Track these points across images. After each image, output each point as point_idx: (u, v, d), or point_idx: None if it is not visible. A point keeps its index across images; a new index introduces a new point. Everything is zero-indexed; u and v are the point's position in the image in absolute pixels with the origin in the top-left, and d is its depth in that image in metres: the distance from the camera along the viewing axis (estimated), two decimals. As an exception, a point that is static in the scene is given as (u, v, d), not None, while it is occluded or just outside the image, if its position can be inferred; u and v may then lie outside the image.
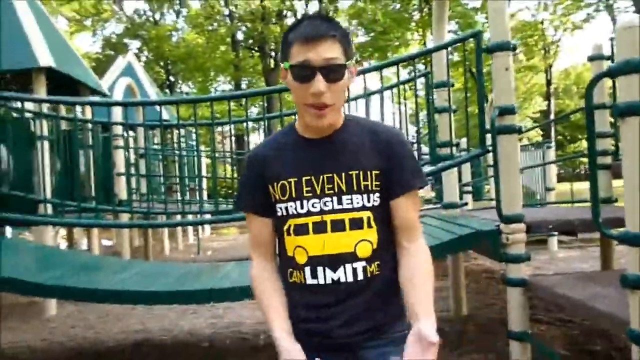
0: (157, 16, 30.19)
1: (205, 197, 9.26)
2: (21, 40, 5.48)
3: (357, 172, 1.33)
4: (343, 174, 1.33)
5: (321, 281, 1.33)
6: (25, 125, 4.99)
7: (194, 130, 8.47)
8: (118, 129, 6.22)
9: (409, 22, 24.94)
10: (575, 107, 30.23)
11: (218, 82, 31.60)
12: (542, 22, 29.56)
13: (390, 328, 1.38)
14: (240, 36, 27.14)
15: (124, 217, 6.17)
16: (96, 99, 6.88)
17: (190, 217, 6.34)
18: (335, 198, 1.33)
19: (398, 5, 24.95)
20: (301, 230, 1.34)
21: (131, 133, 7.16)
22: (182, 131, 8.76)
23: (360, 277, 1.33)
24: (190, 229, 11.92)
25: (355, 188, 1.33)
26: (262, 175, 1.39)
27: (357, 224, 1.33)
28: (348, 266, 1.32)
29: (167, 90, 29.12)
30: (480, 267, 6.63)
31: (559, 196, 9.12)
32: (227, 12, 26.45)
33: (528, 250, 3.11)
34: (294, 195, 1.34)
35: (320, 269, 1.33)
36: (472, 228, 3.29)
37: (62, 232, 8.73)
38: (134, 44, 29.97)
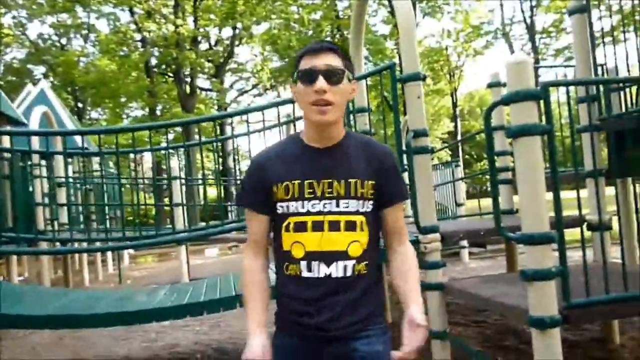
0: (64, 41, 29.20)
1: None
2: None
3: (355, 180, 1.51)
4: (342, 181, 1.50)
5: (315, 274, 1.49)
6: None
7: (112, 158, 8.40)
8: (36, 159, 6.12)
9: (322, 47, 25.65)
10: (479, 128, 32.20)
11: (130, 108, 30.92)
12: (446, 49, 31.41)
13: (372, 321, 1.55)
14: (153, 61, 26.77)
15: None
16: (24, 129, 6.72)
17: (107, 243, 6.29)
18: (334, 201, 1.50)
19: (311, 32, 25.66)
20: (300, 227, 1.51)
21: (43, 162, 7.01)
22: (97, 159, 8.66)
23: (349, 273, 1.49)
24: (109, 259, 11.64)
25: (352, 194, 1.50)
26: (265, 178, 1.55)
27: (351, 226, 1.50)
28: (340, 263, 1.49)
29: (76, 117, 28.13)
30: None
31: (468, 211, 9.80)
32: (139, 38, 26.06)
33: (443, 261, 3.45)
34: (296, 195, 1.51)
35: (315, 263, 1.49)
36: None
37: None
38: (39, 70, 28.85)
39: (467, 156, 37.94)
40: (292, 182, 1.51)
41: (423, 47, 30.25)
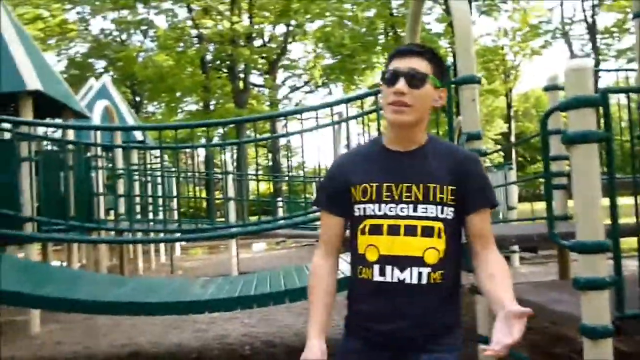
0: (124, 36, 30.16)
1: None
2: (9, 64, 5.63)
3: (434, 185, 1.47)
4: (421, 185, 1.47)
5: (388, 279, 1.45)
6: (10, 146, 5.13)
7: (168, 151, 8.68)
8: (97, 151, 6.39)
9: (375, 45, 25.58)
10: (534, 130, 31.38)
11: (185, 103, 31.67)
12: (502, 48, 30.74)
13: (445, 336, 1.50)
14: (208, 57, 27.36)
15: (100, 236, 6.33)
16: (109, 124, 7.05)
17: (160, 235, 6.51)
18: (411, 205, 1.46)
19: (364, 29, 25.62)
20: (376, 230, 1.48)
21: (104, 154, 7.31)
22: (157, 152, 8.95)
23: (424, 281, 1.44)
24: (162, 249, 12.03)
25: (431, 199, 1.46)
26: (344, 179, 1.55)
27: (428, 232, 1.45)
28: (415, 269, 1.44)
29: (134, 110, 29.03)
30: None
31: (520, 215, 9.61)
32: (195, 34, 26.66)
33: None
34: (373, 198, 1.49)
35: (388, 268, 1.45)
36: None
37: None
38: (100, 64, 29.88)
39: (520, 158, 37.04)
40: (371, 184, 1.50)
41: (478, 46, 29.66)
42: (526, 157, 39.81)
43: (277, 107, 28.57)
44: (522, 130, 36.49)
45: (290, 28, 27.33)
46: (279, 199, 11.88)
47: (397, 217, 1.46)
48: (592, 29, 27.61)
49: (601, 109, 2.35)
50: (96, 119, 7.20)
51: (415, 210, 1.46)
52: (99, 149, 6.68)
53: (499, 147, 26.98)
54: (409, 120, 1.46)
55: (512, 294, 1.40)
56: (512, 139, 29.94)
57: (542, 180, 4.76)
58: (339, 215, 1.58)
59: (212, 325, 5.08)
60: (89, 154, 6.30)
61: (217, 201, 9.84)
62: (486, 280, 1.47)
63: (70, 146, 5.84)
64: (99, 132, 6.33)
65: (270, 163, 26.43)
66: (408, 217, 1.46)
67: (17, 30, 6.25)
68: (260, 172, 23.76)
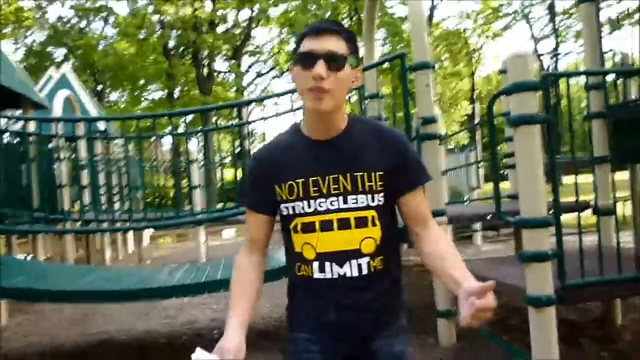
0: (83, 24, 29.49)
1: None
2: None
3: (362, 173, 1.40)
4: (348, 175, 1.40)
5: (328, 275, 1.41)
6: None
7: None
8: (59, 142, 6.33)
9: (340, 29, 25.59)
10: (498, 111, 31.97)
11: (149, 90, 31.22)
12: (465, 31, 31.13)
13: (393, 321, 1.49)
14: (171, 44, 26.98)
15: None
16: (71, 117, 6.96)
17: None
18: (341, 198, 1.40)
19: (328, 14, 25.59)
20: (308, 228, 1.42)
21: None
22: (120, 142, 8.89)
23: (365, 271, 1.41)
24: (130, 239, 11.96)
25: (360, 188, 1.40)
26: (267, 176, 1.46)
27: (362, 223, 1.41)
28: (354, 262, 1.40)
29: (96, 98, 28.51)
30: (411, 262, 7.18)
31: (483, 194, 9.89)
32: (157, 20, 26.23)
33: (456, 244, 3.58)
34: (301, 195, 1.42)
35: (327, 264, 1.41)
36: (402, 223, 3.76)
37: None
38: (59, 52, 29.20)
39: (485, 139, 37.73)
40: (296, 181, 1.42)
41: (441, 29, 30.03)
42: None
43: (243, 94, 28.43)
44: (486, 112, 37.05)
45: (254, 13, 27.12)
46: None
47: (328, 211, 1.40)
48: (551, 10, 28.19)
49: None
50: (57, 109, 7.10)
51: (345, 202, 1.40)
52: (61, 140, 6.64)
53: (462, 128, 27.43)
54: (330, 107, 1.36)
55: (466, 270, 1.35)
56: (477, 120, 30.44)
57: (504, 161, 4.97)
58: (266, 214, 1.50)
59: (180, 311, 5.14)
60: (51, 145, 6.24)
61: (184, 189, 9.83)
62: (436, 262, 1.42)
63: (32, 138, 5.79)
64: (61, 123, 6.28)
65: (238, 150, 26.33)
66: (339, 210, 1.40)
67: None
68: (226, 160, 23.73)
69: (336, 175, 1.40)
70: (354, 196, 1.40)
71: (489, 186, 15.16)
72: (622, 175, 3.91)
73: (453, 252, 1.41)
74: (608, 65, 4.16)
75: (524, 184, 2.43)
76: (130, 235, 11.73)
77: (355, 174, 1.40)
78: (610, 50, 3.87)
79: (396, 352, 1.47)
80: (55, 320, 5.15)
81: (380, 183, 1.41)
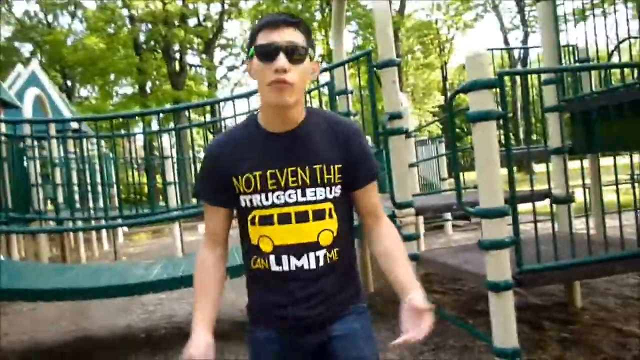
0: (50, 18, 29.00)
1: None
2: None
3: (320, 166, 1.40)
4: (307, 168, 1.39)
5: (285, 268, 1.41)
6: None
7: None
8: (30, 141, 6.33)
9: (312, 22, 25.69)
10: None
11: (120, 85, 30.88)
12: (436, 22, 31.46)
13: (349, 303, 1.50)
14: (142, 38, 26.72)
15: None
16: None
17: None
18: (299, 191, 1.39)
19: (300, 6, 25.64)
20: (266, 220, 1.41)
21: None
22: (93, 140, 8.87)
23: (322, 263, 1.41)
24: (104, 237, 11.92)
25: (318, 181, 1.40)
26: (223, 168, 1.43)
27: (319, 215, 1.41)
28: (311, 254, 1.41)
29: (65, 95, 28.08)
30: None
31: (452, 185, 10.10)
32: (127, 14, 25.94)
33: (427, 234, 3.74)
34: (258, 187, 1.40)
35: (284, 257, 1.41)
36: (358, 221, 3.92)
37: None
38: (26, 48, 28.67)
39: (457, 130, 38.11)
40: (253, 173, 1.40)
41: (413, 20, 30.31)
42: (463, 128, 41.09)
43: (216, 88, 28.31)
44: (458, 103, 37.27)
45: (225, 6, 27.01)
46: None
47: (286, 204, 1.40)
48: (520, 1, 28.65)
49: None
50: (27, 108, 7.08)
51: (303, 194, 1.40)
52: (34, 140, 6.63)
53: (433, 120, 27.78)
54: (292, 101, 1.36)
55: (410, 272, 1.43)
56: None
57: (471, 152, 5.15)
58: (224, 207, 1.49)
59: (159, 306, 5.22)
60: (22, 144, 6.24)
61: (158, 185, 9.85)
62: (383, 259, 1.47)
63: (3, 138, 5.78)
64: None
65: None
66: (297, 203, 1.40)
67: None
68: (200, 154, 23.62)
69: (294, 168, 1.40)
70: (312, 189, 1.40)
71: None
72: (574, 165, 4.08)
73: (399, 250, 1.46)
74: (566, 58, 4.35)
75: (481, 177, 2.58)
76: (104, 233, 11.70)
77: (314, 166, 1.40)
78: (567, 45, 4.03)
79: (355, 328, 1.47)
80: (33, 319, 5.18)
81: (338, 176, 1.42)
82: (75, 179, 8.39)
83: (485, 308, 4.17)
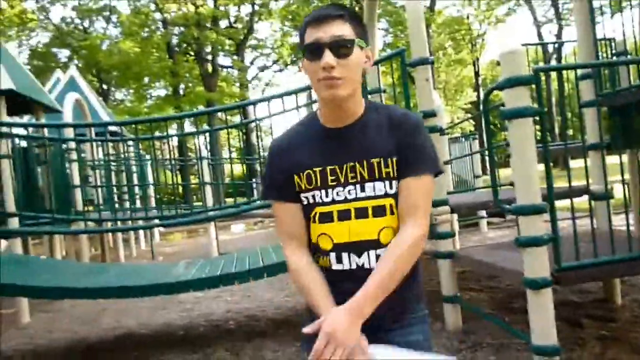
0: (87, 23, 29.69)
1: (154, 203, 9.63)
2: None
3: (378, 159, 1.37)
4: (365, 162, 1.37)
5: (346, 267, 1.39)
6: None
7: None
8: (71, 144, 6.54)
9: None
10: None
11: (154, 88, 31.43)
12: (467, 17, 31.09)
13: (409, 310, 1.46)
14: (175, 41, 27.17)
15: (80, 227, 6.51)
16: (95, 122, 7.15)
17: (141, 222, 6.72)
18: (358, 186, 1.37)
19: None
20: (326, 217, 1.39)
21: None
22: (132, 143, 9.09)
23: None
24: (142, 237, 12.20)
25: (377, 175, 1.37)
26: (286, 166, 1.43)
27: (379, 212, 1.37)
28: (372, 252, 1.37)
29: (102, 98, 28.72)
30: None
31: (486, 182, 10.01)
32: (160, 18, 26.41)
33: (462, 232, 3.72)
34: (319, 184, 1.39)
35: (345, 255, 1.38)
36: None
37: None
38: (63, 53, 29.43)
39: (490, 126, 37.57)
40: (314, 169, 1.40)
41: (444, 16, 30.02)
42: (497, 124, 40.49)
43: (247, 88, 28.57)
44: (491, 99, 36.91)
45: (256, 8, 27.25)
46: (254, 180, 12.10)
47: (346, 200, 1.38)
48: (553, -6, 28.11)
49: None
50: (67, 112, 7.30)
51: (362, 190, 1.38)
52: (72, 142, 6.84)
53: (465, 117, 27.45)
54: (344, 94, 1.34)
55: (373, 287, 1.32)
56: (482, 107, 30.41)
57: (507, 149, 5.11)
58: (294, 201, 1.45)
59: (197, 304, 5.33)
60: (65, 148, 6.43)
61: (193, 186, 10.02)
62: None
63: (47, 142, 5.99)
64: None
65: (244, 145, 26.54)
66: (357, 199, 1.38)
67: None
68: (234, 155, 23.93)
69: (353, 163, 1.38)
70: (370, 184, 1.37)
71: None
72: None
73: (385, 262, 1.34)
74: (603, 52, 4.27)
75: (518, 173, 2.57)
76: (142, 233, 11.97)
77: (372, 160, 1.37)
78: (604, 38, 3.96)
79: (410, 342, 1.40)
80: (75, 316, 5.34)
81: (397, 169, 1.37)
82: (114, 181, 8.66)
83: (521, 305, 4.15)
